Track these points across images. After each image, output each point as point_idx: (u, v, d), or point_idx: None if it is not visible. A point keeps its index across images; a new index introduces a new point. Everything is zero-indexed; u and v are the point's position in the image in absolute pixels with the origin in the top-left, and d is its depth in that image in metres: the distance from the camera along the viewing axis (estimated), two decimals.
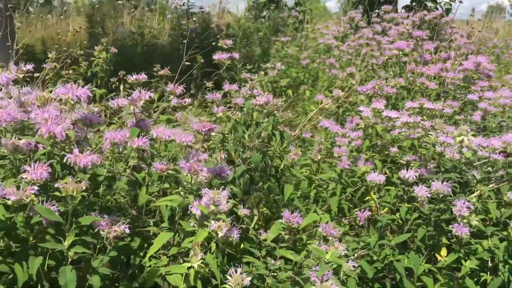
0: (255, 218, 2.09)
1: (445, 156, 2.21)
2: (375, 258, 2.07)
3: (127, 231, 1.21)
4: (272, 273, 1.77)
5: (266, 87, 4.35)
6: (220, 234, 1.16)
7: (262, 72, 4.49)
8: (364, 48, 4.62)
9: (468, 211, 1.77)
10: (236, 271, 1.17)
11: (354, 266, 1.61)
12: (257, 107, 1.88)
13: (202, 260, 1.16)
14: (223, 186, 1.78)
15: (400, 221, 2.14)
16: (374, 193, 2.42)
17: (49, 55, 2.94)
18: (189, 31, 6.88)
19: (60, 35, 7.04)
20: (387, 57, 3.98)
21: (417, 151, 2.27)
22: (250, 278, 1.16)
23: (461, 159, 2.06)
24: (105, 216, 1.25)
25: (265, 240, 1.82)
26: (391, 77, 3.86)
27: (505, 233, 2.23)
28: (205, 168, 1.50)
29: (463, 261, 1.86)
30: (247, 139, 1.97)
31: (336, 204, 2.09)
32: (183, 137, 1.56)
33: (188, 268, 1.17)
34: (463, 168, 2.29)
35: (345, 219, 2.49)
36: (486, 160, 2.07)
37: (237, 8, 9.87)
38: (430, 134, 2.15)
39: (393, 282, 2.09)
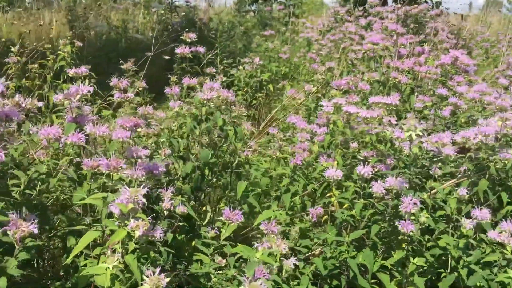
0: (208, 215, 2.06)
1: (404, 151, 2.18)
2: (328, 255, 2.04)
3: (36, 231, 1.18)
4: (218, 271, 1.75)
5: (244, 82, 4.31)
6: (138, 234, 1.13)
7: (240, 67, 4.46)
8: (344, 43, 4.58)
9: (416, 208, 1.74)
10: (154, 272, 1.13)
11: (294, 264, 1.58)
12: (205, 101, 1.84)
13: (119, 261, 1.13)
14: (170, 184, 1.75)
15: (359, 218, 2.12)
16: (336, 189, 2.40)
17: (12, 49, 2.89)
18: (173, 25, 6.83)
19: (44, 29, 6.96)
20: (363, 51, 3.95)
21: (375, 147, 2.24)
22: (168, 279, 1.12)
23: (422, 155, 2.03)
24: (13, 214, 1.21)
25: (214, 237, 1.80)
26: (367, 71, 3.82)
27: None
28: (142, 165, 1.46)
29: (411, 258, 1.83)
30: (197, 134, 1.93)
31: (289, 201, 2.06)
32: (118, 133, 1.52)
33: (106, 268, 1.14)
34: (424, 163, 2.27)
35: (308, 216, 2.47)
36: (435, 155, 2.04)
37: (225, 2, 9.78)
38: (387, 130, 2.12)
39: (348, 279, 2.06)
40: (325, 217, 2.34)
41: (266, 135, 3.06)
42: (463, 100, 2.99)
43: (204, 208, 2.01)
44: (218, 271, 1.74)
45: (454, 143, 2.33)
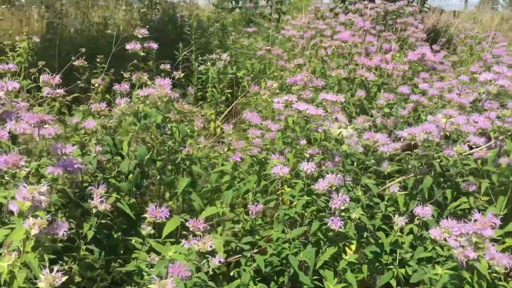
0: None
1: (350, 148, 2.18)
2: (270, 252, 2.04)
3: None
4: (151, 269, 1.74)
5: (216, 79, 4.29)
6: (34, 232, 1.12)
7: (209, 63, 4.43)
8: (314, 39, 4.56)
9: (345, 205, 1.74)
10: (52, 270, 1.13)
11: (220, 262, 1.58)
12: (142, 98, 1.83)
13: (16, 259, 1.12)
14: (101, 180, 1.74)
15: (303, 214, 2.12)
16: (289, 187, 2.41)
17: None
18: (153, 21, 6.80)
19: (24, 26, 6.92)
20: (332, 48, 3.93)
21: (320, 144, 2.24)
22: (65, 278, 1.12)
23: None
24: None
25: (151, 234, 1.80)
26: (335, 68, 3.81)
27: (411, 226, 2.23)
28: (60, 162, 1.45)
29: (343, 254, 1.83)
30: (138, 132, 1.92)
31: (230, 198, 2.06)
32: (46, 130, 1.52)
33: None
34: (372, 160, 2.27)
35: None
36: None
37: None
38: (331, 127, 2.11)
39: (290, 276, 2.06)
40: (276, 214, 2.34)
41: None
42: (426, 97, 2.99)
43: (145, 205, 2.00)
44: (151, 269, 1.74)
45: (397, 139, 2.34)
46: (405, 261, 1.98)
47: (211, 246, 1.55)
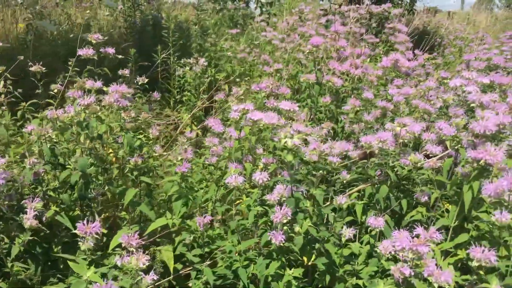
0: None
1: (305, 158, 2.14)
2: (220, 264, 2.00)
3: None
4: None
5: (189, 83, 4.24)
6: None
7: (187, 68, 4.38)
8: (292, 43, 4.52)
9: (287, 218, 1.69)
10: None
11: (153, 279, 1.53)
12: (82, 107, 1.78)
13: None
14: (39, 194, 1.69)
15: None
16: (246, 196, 2.36)
17: None
18: (134, 23, 6.74)
19: (6, 28, 6.85)
20: (306, 52, 3.89)
21: (275, 154, 2.20)
22: None
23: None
24: None
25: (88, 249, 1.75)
26: (306, 72, 3.78)
27: (367, 236, 2.19)
28: None
29: (287, 269, 1.79)
30: (81, 141, 1.87)
31: (179, 208, 2.01)
32: None
33: None
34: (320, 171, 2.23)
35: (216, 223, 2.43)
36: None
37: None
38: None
39: None
40: (231, 224, 2.29)
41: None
42: (393, 103, 2.95)
43: (93, 216, 1.96)
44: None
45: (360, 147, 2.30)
46: (357, 274, 1.94)
47: (144, 263, 1.51)
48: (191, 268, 2.07)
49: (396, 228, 2.01)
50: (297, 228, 1.75)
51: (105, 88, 2.30)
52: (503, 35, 9.56)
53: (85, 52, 2.37)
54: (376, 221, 2.00)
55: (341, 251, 1.91)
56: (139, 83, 3.02)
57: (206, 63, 4.14)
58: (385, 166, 2.16)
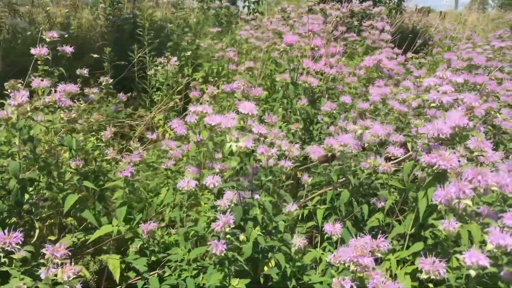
0: (37, 232, 1.89)
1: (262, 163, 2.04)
2: (167, 273, 1.89)
3: None
4: None
5: (161, 83, 4.12)
6: None
7: (159, 67, 4.26)
8: (267, 41, 4.41)
9: (229, 227, 1.58)
10: None
11: None
12: (14, 108, 1.66)
13: None
14: None
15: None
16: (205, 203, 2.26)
17: None
18: (113, 21, 6.60)
19: None
20: (281, 50, 3.78)
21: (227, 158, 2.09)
22: None
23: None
24: None
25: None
26: (280, 71, 3.67)
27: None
28: None
29: (232, 280, 1.68)
30: (17, 145, 1.75)
31: (123, 215, 1.90)
32: None
33: None
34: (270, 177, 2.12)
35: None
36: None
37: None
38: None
39: None
40: (192, 232, 2.19)
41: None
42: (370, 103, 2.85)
43: (32, 223, 1.84)
44: None
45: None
46: (310, 285, 1.84)
47: (69, 276, 1.39)
48: (140, 277, 1.96)
49: (363, 234, 1.92)
50: (241, 237, 1.64)
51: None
52: (492, 34, 9.53)
53: (38, 51, 2.25)
54: (332, 228, 1.90)
55: (294, 261, 1.80)
56: (103, 83, 2.89)
57: (177, 62, 4.01)
58: (346, 170, 2.06)
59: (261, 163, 2.02)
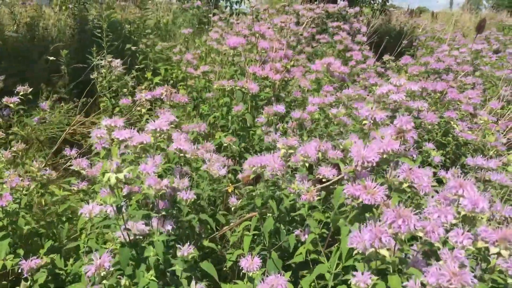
0: None
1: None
2: None
3: None
4: None
5: (104, 88, 3.83)
6: None
7: (103, 71, 3.99)
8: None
9: (104, 270, 1.33)
10: None
11: None
12: None
13: None
14: None
15: None
16: None
17: None
18: (78, 22, 6.31)
19: None
20: (232, 54, 3.51)
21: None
22: None
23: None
24: None
25: None
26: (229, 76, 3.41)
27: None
28: None
29: None
30: None
31: (4, 249, 1.64)
32: None
33: None
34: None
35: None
36: None
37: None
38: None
39: None
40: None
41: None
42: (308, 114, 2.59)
43: None
44: None
45: None
46: None
47: None
48: None
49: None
50: (124, 282, 1.38)
51: None
52: (479, 35, 9.30)
53: None
54: (250, 263, 1.65)
55: None
56: (20, 93, 2.62)
57: (120, 65, 3.73)
58: (269, 196, 1.81)
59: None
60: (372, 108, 1.69)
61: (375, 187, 1.37)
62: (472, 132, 2.74)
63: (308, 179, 1.84)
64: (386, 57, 5.73)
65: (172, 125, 2.05)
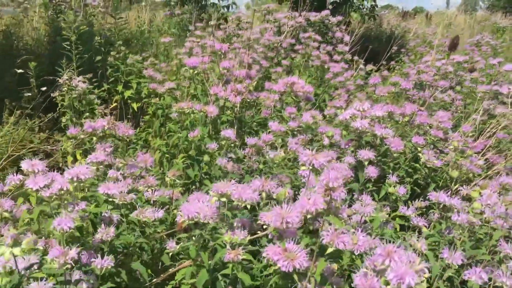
0: None
1: None
2: None
3: None
4: None
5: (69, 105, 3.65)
6: None
7: (65, 88, 3.81)
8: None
9: None
10: None
11: None
12: None
13: None
14: None
15: None
16: None
17: None
18: (53, 32, 6.14)
19: None
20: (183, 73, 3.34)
21: None
22: None
23: None
24: None
25: None
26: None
27: None
28: None
29: None
30: None
31: None
32: None
33: None
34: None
35: None
36: None
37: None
38: None
39: None
40: None
41: None
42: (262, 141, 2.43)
43: None
44: None
45: None
46: None
47: None
48: None
49: None
50: None
51: None
52: (470, 40, 9.18)
53: None
54: None
55: None
56: None
57: (82, 82, 3.55)
58: (200, 246, 1.64)
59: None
60: (312, 153, 1.52)
61: (296, 250, 1.21)
62: (444, 156, 2.58)
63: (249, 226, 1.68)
64: (369, 67, 5.57)
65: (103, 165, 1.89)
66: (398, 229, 2.25)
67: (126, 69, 4.59)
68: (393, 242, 1.20)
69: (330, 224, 1.29)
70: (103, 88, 4.62)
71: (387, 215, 2.12)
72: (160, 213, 1.82)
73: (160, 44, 6.32)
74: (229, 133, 2.33)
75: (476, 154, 2.99)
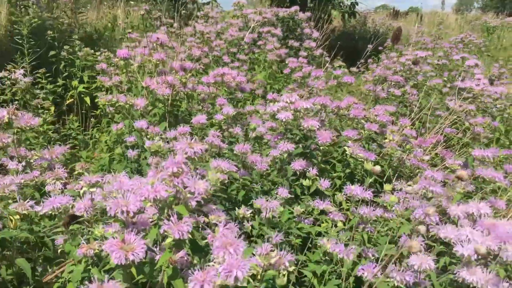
0: None
1: None
2: None
3: None
4: None
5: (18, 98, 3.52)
6: None
7: (8, 82, 3.69)
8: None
9: None
10: None
11: None
12: None
13: None
14: None
15: None
16: None
17: None
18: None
19: None
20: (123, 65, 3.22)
21: None
22: None
23: None
24: None
25: None
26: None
27: None
28: None
29: None
30: None
31: None
32: None
33: None
34: None
35: None
36: None
37: None
38: None
39: None
40: None
41: None
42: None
43: None
44: None
45: None
46: None
47: None
48: None
49: None
50: None
51: None
52: (453, 38, 9.11)
53: None
54: None
55: None
56: None
57: (22, 75, 3.43)
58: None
59: None
60: (188, 142, 1.41)
61: (134, 241, 1.10)
62: (380, 153, 2.49)
63: None
64: (337, 63, 5.47)
65: None
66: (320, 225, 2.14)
67: (81, 64, 4.48)
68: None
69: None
70: (58, 84, 4.50)
71: (303, 210, 2.02)
72: (46, 207, 1.71)
73: (128, 40, 6.21)
74: (141, 124, 2.22)
75: (423, 149, 2.90)
